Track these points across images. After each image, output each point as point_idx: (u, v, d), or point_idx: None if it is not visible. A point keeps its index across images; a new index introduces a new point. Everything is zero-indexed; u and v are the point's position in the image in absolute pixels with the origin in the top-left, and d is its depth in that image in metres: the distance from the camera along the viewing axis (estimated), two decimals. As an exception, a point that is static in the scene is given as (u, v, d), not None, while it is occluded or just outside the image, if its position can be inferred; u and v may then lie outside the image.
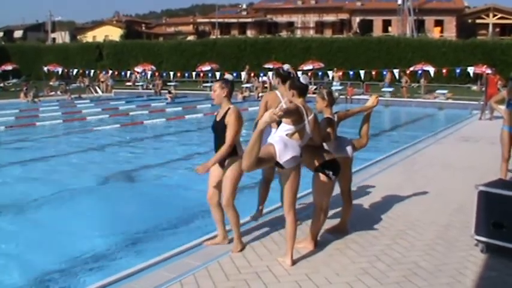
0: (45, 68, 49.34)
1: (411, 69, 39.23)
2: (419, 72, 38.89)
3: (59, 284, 7.14)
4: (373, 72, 39.88)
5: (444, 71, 37.98)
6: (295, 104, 6.35)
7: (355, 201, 8.01)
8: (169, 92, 39.34)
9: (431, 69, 38.34)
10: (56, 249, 8.30)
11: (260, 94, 38.15)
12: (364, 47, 48.22)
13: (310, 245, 7.04)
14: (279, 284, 5.96)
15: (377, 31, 70.37)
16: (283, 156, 6.08)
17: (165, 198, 11.32)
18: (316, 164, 6.63)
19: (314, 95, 7.06)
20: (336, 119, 7.25)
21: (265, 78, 41.03)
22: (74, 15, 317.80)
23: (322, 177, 6.64)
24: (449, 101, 33.88)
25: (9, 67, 52.00)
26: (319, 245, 7.11)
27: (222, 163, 6.85)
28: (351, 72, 39.83)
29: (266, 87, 40.14)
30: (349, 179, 7.63)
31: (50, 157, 16.89)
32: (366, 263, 6.54)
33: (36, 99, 37.06)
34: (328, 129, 7.07)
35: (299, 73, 7.13)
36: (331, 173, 6.66)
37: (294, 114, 6.17)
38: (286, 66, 7.81)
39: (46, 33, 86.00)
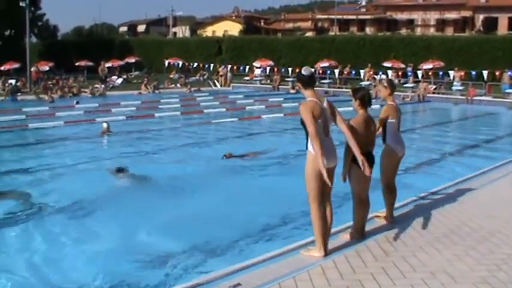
0: (166, 61, 50.87)
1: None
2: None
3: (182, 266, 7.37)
4: (497, 73, 38.29)
5: None
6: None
7: (472, 208, 7.75)
8: (293, 88, 40.00)
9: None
10: (185, 232, 8.81)
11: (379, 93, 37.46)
12: (488, 46, 46.25)
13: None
14: (394, 286, 5.89)
15: (502, 29, 67.57)
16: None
17: (283, 192, 11.20)
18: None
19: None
20: None
21: (383, 76, 40.48)
22: (195, 10, 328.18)
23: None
24: None
25: (132, 60, 54.10)
26: (436, 249, 6.96)
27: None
28: (473, 72, 38.45)
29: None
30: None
31: (166, 148, 17.47)
32: (486, 272, 6.32)
33: (156, 91, 38.45)
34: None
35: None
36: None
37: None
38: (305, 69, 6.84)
39: (167, 28, 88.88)
